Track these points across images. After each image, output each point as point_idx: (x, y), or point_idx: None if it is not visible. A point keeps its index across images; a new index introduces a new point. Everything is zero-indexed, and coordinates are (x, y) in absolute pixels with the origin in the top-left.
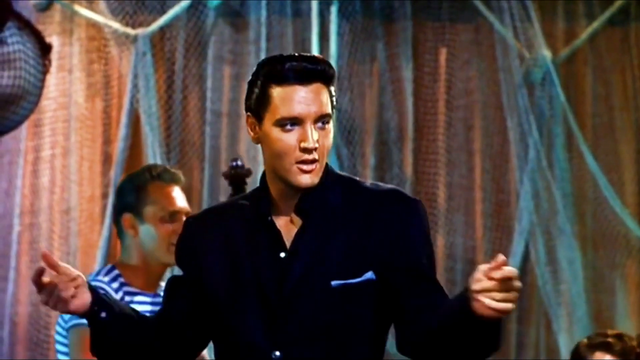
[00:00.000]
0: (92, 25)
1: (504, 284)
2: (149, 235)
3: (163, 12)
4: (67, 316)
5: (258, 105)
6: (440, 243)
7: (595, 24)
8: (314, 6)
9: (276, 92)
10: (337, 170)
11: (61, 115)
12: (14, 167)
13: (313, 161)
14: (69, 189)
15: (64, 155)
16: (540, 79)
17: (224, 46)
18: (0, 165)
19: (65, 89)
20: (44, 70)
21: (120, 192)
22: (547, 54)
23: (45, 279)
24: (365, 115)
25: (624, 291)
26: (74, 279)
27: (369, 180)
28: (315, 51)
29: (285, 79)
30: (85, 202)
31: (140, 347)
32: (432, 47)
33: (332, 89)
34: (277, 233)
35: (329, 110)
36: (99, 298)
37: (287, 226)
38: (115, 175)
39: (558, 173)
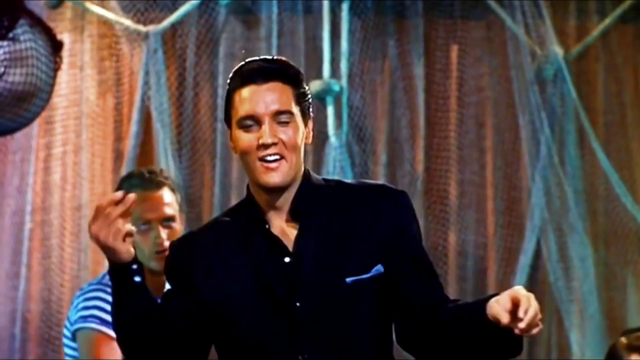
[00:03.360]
0: (104, 22)
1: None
2: (135, 244)
3: (174, 9)
4: (72, 318)
5: (228, 113)
6: (451, 240)
7: (607, 21)
8: (325, 3)
9: (237, 95)
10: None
11: (72, 113)
12: (26, 165)
13: (276, 159)
14: (80, 186)
15: (75, 153)
16: (552, 75)
17: (235, 43)
18: (12, 162)
19: (76, 86)
20: (56, 67)
21: None
22: (558, 50)
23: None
24: (376, 113)
25: (635, 288)
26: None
27: (380, 177)
28: (326, 48)
29: (243, 82)
30: (97, 199)
31: (156, 331)
32: (443, 44)
33: (302, 90)
34: (276, 239)
35: (288, 107)
36: (138, 262)
37: (281, 232)
38: (127, 172)
39: (570, 170)
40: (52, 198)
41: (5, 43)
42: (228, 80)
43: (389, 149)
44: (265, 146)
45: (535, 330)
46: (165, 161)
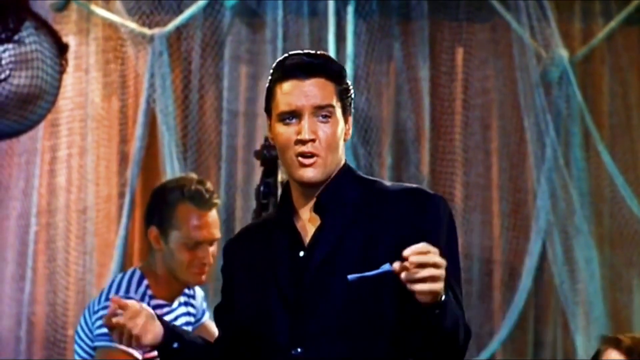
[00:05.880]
0: (109, 25)
1: (420, 265)
2: (171, 257)
3: (179, 11)
4: (94, 331)
5: (269, 105)
6: None
7: (612, 23)
8: (331, 5)
9: (279, 88)
10: (359, 172)
11: (78, 115)
12: (31, 167)
13: (312, 155)
14: (86, 188)
15: (81, 155)
16: (557, 78)
17: (240, 45)
18: (18, 164)
19: (81, 89)
20: (61, 69)
21: (152, 201)
22: (564, 53)
23: (115, 319)
24: (382, 115)
25: None
26: (139, 313)
27: (386, 180)
28: (331, 51)
29: (286, 75)
30: (102, 202)
31: None
32: (449, 47)
33: (345, 86)
34: (297, 233)
35: (329, 101)
36: (169, 329)
37: (307, 227)
38: (132, 174)
39: (575, 172)
40: (58, 200)
41: (10, 46)
42: (270, 71)
43: (394, 151)
44: (303, 142)
45: (424, 287)
46: (171, 163)
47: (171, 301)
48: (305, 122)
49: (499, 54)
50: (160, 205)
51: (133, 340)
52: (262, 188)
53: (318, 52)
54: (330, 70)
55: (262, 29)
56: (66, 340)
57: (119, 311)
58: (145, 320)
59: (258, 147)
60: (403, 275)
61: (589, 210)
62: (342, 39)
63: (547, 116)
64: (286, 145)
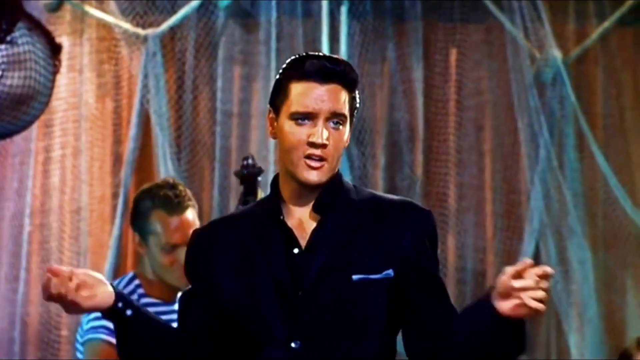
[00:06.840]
0: (103, 25)
1: (539, 283)
2: (154, 260)
3: (173, 12)
4: (84, 327)
5: (278, 100)
6: (450, 243)
7: (606, 24)
8: (324, 6)
9: (295, 87)
10: (349, 181)
11: (71, 116)
12: (25, 168)
13: (321, 159)
14: (80, 189)
15: (75, 156)
16: (551, 79)
17: (234, 46)
18: (11, 165)
19: (75, 89)
20: (54, 70)
21: (131, 210)
22: (557, 54)
23: (52, 290)
24: (375, 116)
25: (635, 291)
26: (71, 277)
27: (379, 181)
28: (325, 51)
29: (304, 76)
30: (96, 202)
31: (165, 351)
32: (442, 48)
33: (354, 95)
34: (289, 230)
35: (344, 110)
36: (122, 297)
37: (300, 224)
38: (126, 175)
39: (569, 173)
40: (51, 201)
41: (3, 46)
42: (284, 66)
43: (388, 152)
44: (316, 145)
45: (542, 305)
46: (164, 164)
47: (169, 301)
48: (320, 126)
49: (493, 55)
50: (136, 214)
51: (72, 307)
52: (240, 207)
53: (339, 58)
54: (347, 78)
55: (256, 30)
56: (60, 341)
57: (54, 279)
58: (82, 284)
59: (252, 147)
60: (521, 290)
61: (582, 211)
62: (335, 40)
63: (540, 117)
64: (295, 146)
